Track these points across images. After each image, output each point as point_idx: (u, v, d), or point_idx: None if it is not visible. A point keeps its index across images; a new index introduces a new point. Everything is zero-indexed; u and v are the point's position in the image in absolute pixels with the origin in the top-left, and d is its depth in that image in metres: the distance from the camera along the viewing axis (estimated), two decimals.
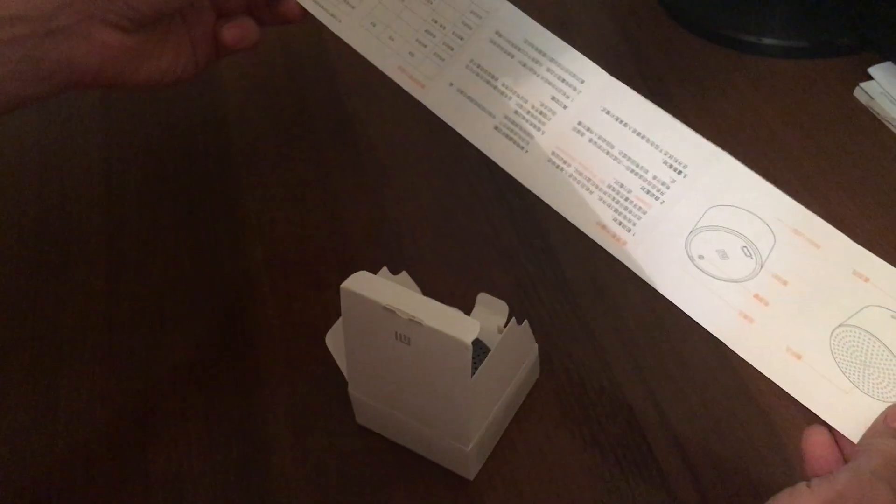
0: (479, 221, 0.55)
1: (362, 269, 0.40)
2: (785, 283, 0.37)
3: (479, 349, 0.44)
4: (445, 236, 0.54)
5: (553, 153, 0.42)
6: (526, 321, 0.43)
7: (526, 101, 0.44)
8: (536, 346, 0.45)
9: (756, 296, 0.37)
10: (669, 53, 0.65)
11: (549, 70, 0.44)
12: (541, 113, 0.44)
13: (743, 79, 0.62)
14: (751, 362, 0.37)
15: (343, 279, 0.39)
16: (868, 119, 0.59)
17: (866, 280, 0.37)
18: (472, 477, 0.43)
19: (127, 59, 0.44)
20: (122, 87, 0.45)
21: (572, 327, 0.49)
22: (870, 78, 0.60)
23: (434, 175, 0.58)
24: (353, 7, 0.46)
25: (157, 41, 0.45)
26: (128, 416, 0.47)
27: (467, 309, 0.47)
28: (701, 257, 0.39)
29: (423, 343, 0.38)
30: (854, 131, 0.58)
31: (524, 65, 0.45)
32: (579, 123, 0.42)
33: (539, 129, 0.43)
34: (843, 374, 0.36)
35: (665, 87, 0.62)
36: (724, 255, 0.39)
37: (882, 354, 0.35)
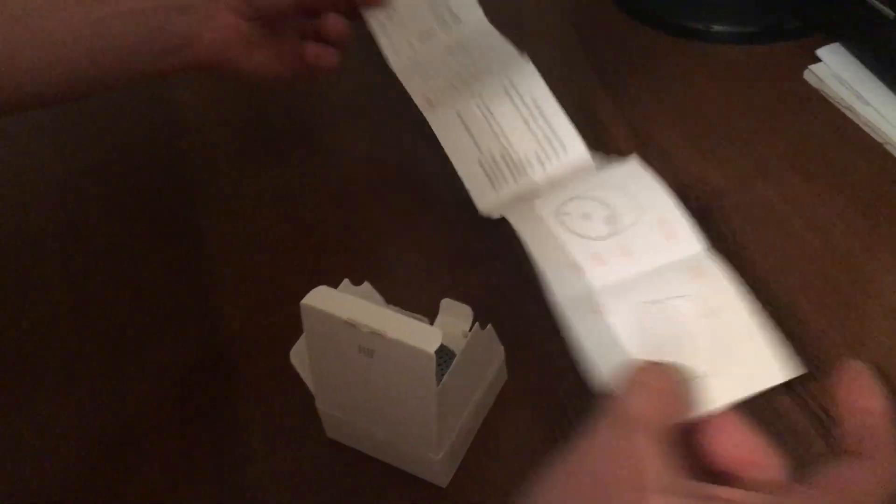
0: (443, 228, 0.55)
1: (328, 279, 0.40)
2: (629, 254, 0.41)
3: (445, 355, 0.44)
4: (411, 242, 0.54)
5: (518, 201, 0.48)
6: (490, 325, 0.43)
7: (511, 148, 0.50)
8: (502, 348, 0.45)
9: (594, 255, 0.41)
10: (622, 45, 0.65)
11: (540, 129, 0.50)
12: (520, 165, 0.50)
13: (695, 66, 0.63)
14: (561, 304, 0.40)
15: (309, 290, 0.39)
16: (819, 101, 0.59)
17: (697, 276, 0.39)
18: (444, 484, 0.43)
19: (243, 44, 0.48)
20: (233, 71, 0.49)
21: (540, 328, 0.49)
22: (818, 60, 0.61)
23: (398, 182, 0.58)
24: (414, 49, 0.54)
25: (267, 34, 0.49)
26: (99, 435, 0.47)
27: (434, 315, 0.47)
28: (567, 213, 0.43)
29: (387, 355, 0.38)
30: (806, 113, 0.59)
31: (523, 118, 0.50)
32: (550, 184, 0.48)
33: (515, 180, 0.50)
34: (634, 342, 0.37)
35: (620, 77, 0.63)
36: (587, 216, 0.43)
37: (675, 340, 0.36)
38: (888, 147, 0.55)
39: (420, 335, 0.37)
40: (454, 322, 0.46)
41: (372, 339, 0.38)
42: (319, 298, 0.39)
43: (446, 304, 0.47)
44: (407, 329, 0.38)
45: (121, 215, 0.57)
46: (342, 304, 0.39)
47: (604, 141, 0.59)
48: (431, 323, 0.46)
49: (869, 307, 0.47)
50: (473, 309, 0.46)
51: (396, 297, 0.49)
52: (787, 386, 0.40)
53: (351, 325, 0.38)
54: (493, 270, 0.52)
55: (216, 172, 0.59)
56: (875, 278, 0.48)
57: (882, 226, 0.51)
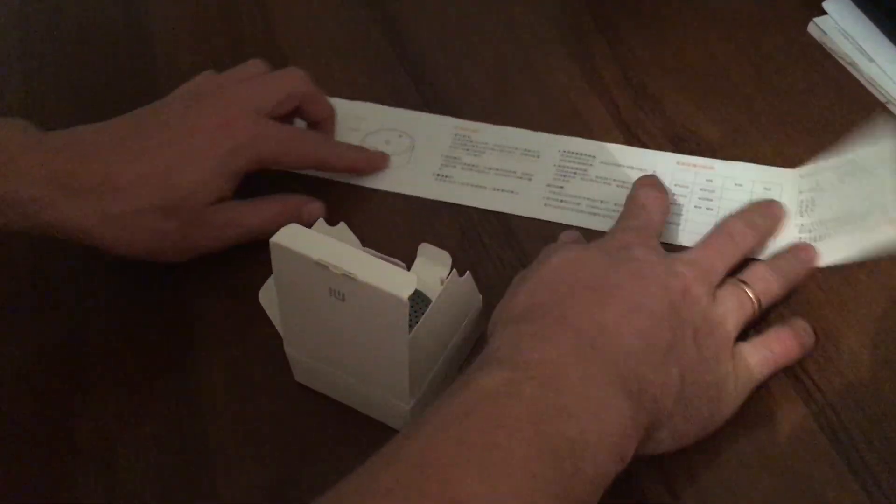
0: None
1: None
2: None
3: (421, 302, 0.42)
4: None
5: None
6: (468, 272, 0.41)
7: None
8: (480, 297, 0.44)
9: None
10: None
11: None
12: None
13: (696, 17, 0.60)
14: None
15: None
16: (821, 55, 0.57)
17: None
18: None
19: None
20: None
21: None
22: (824, 13, 0.58)
23: None
24: None
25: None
26: (55, 380, 0.45)
27: (410, 259, 0.45)
28: None
29: (359, 299, 0.36)
30: (806, 67, 0.56)
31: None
32: None
33: None
34: None
35: (616, 20, 0.60)
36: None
37: None
38: (890, 106, 0.53)
39: (394, 280, 0.36)
40: (432, 268, 0.45)
41: (343, 281, 0.36)
42: (290, 237, 0.37)
43: (424, 248, 0.45)
44: (380, 273, 0.36)
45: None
46: (314, 243, 0.37)
47: (595, 86, 0.56)
48: (408, 268, 0.44)
49: (860, 280, 0.46)
50: (453, 255, 0.45)
51: (372, 239, 0.47)
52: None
53: (322, 267, 0.36)
54: (473, 214, 0.50)
55: None
56: None
57: None
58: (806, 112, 0.54)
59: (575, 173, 0.52)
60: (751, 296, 0.42)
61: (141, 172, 0.44)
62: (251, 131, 0.46)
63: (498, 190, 0.51)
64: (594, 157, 0.52)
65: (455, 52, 0.59)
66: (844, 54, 0.56)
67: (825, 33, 0.57)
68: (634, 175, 0.50)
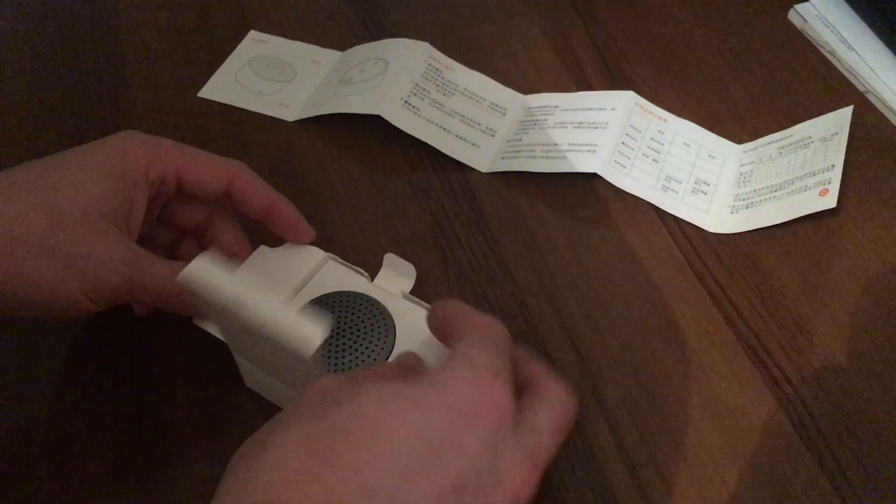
0: (395, 155, 0.51)
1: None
2: None
3: (380, 315, 0.41)
4: (361, 169, 0.51)
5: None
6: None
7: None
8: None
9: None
10: None
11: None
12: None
13: (675, 1, 0.59)
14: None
15: None
16: (801, 43, 0.56)
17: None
18: None
19: None
20: None
21: (489, 266, 0.46)
22: (805, 0, 0.57)
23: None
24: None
25: None
26: (6, 365, 0.44)
27: (378, 252, 0.45)
28: None
29: (270, 342, 0.34)
30: (786, 56, 0.56)
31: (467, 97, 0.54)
32: None
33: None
34: None
35: (593, 9, 0.59)
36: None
37: None
38: (868, 95, 0.52)
39: (300, 333, 0.33)
40: (395, 279, 0.43)
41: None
42: (199, 274, 0.34)
43: (390, 259, 0.44)
44: (287, 322, 0.33)
45: (47, 120, 0.53)
46: (221, 283, 0.34)
47: (572, 69, 0.55)
48: (372, 278, 0.43)
49: (835, 264, 0.45)
50: (425, 242, 0.44)
51: (345, 225, 0.46)
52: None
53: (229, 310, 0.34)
54: (445, 202, 0.49)
55: (153, 81, 0.55)
56: (841, 232, 0.46)
57: (854, 178, 0.48)
58: (784, 100, 0.53)
59: (535, 124, 0.52)
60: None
61: None
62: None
63: (460, 138, 0.51)
64: (556, 106, 0.53)
65: (428, 34, 0.57)
66: (825, 42, 0.55)
67: (806, 21, 0.56)
68: (592, 116, 0.51)
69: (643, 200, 0.48)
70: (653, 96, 0.53)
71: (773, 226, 0.46)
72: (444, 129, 0.51)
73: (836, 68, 0.54)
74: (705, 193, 0.49)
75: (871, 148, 0.50)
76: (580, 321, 0.44)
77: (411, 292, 0.43)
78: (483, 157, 0.51)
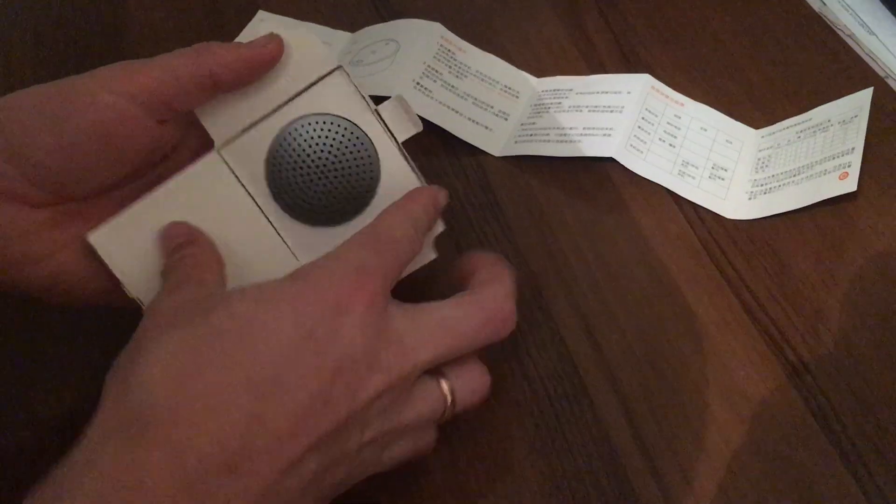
0: (406, 139, 0.50)
1: None
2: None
3: (370, 161, 0.38)
4: None
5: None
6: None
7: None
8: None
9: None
10: None
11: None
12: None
13: None
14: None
15: None
16: (820, 27, 0.55)
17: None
18: None
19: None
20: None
21: (503, 251, 0.45)
22: None
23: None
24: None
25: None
26: (13, 351, 0.43)
27: None
28: None
29: None
30: (805, 40, 0.55)
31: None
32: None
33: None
34: None
35: None
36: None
37: None
38: (889, 80, 0.51)
39: None
40: (402, 121, 0.39)
41: None
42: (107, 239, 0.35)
43: (401, 102, 0.39)
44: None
45: None
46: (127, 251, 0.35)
47: (586, 52, 0.54)
48: None
49: (855, 252, 0.44)
50: None
51: None
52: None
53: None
54: (458, 186, 0.48)
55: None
56: (861, 220, 0.45)
57: (874, 165, 0.47)
58: (803, 84, 0.52)
59: (549, 108, 0.51)
60: (446, 394, 0.34)
61: None
62: None
63: (473, 122, 0.50)
64: (571, 89, 0.52)
65: (439, 15, 0.56)
66: (844, 26, 0.54)
67: (825, 4, 0.55)
68: (607, 100, 0.50)
69: (659, 186, 0.47)
70: (668, 80, 0.52)
71: (792, 213, 0.45)
72: (457, 112, 0.50)
73: (855, 53, 0.53)
74: (723, 179, 0.48)
75: (891, 133, 0.49)
76: (595, 307, 0.43)
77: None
78: (496, 141, 0.50)
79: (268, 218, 0.37)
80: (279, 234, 0.38)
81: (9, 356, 0.43)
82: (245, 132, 0.37)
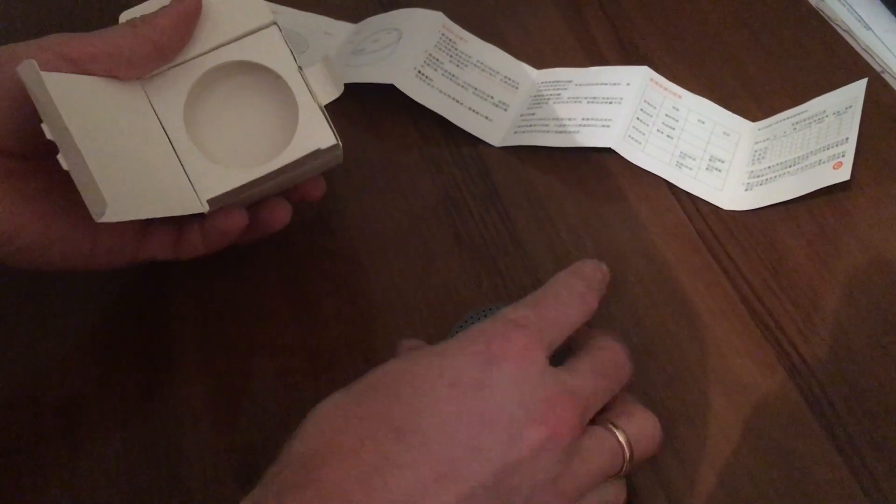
0: (407, 129, 0.51)
1: None
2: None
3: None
4: (372, 142, 0.50)
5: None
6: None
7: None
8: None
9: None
10: None
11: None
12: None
13: None
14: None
15: None
16: (817, 21, 0.56)
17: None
18: None
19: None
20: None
21: (502, 240, 0.46)
22: None
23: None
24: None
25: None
26: (16, 338, 0.43)
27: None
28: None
29: None
30: (802, 34, 0.55)
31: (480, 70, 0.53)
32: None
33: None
34: None
35: None
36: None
37: None
38: (885, 76, 0.52)
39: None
40: (324, 85, 0.40)
41: None
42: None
43: (329, 64, 0.41)
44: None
45: None
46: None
47: (585, 44, 0.55)
48: None
49: (850, 242, 0.45)
50: (436, 214, 0.43)
51: (356, 194, 0.45)
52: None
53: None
54: (456, 175, 0.48)
55: None
56: (857, 211, 0.46)
57: (870, 157, 0.48)
58: (799, 78, 0.52)
59: (549, 99, 0.51)
60: (623, 445, 0.33)
61: None
62: None
63: (473, 111, 0.51)
64: (570, 81, 0.52)
65: (440, 3, 0.57)
66: (841, 21, 0.55)
67: None
68: (606, 91, 0.50)
69: (657, 177, 0.48)
70: (667, 72, 0.52)
71: (788, 204, 0.46)
72: (457, 102, 0.50)
73: (851, 47, 0.54)
74: (720, 171, 0.48)
75: (887, 128, 0.49)
76: None
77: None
78: (496, 131, 0.50)
79: (175, 151, 0.38)
80: (183, 167, 0.38)
81: (10, 340, 0.43)
82: (170, 69, 0.38)
